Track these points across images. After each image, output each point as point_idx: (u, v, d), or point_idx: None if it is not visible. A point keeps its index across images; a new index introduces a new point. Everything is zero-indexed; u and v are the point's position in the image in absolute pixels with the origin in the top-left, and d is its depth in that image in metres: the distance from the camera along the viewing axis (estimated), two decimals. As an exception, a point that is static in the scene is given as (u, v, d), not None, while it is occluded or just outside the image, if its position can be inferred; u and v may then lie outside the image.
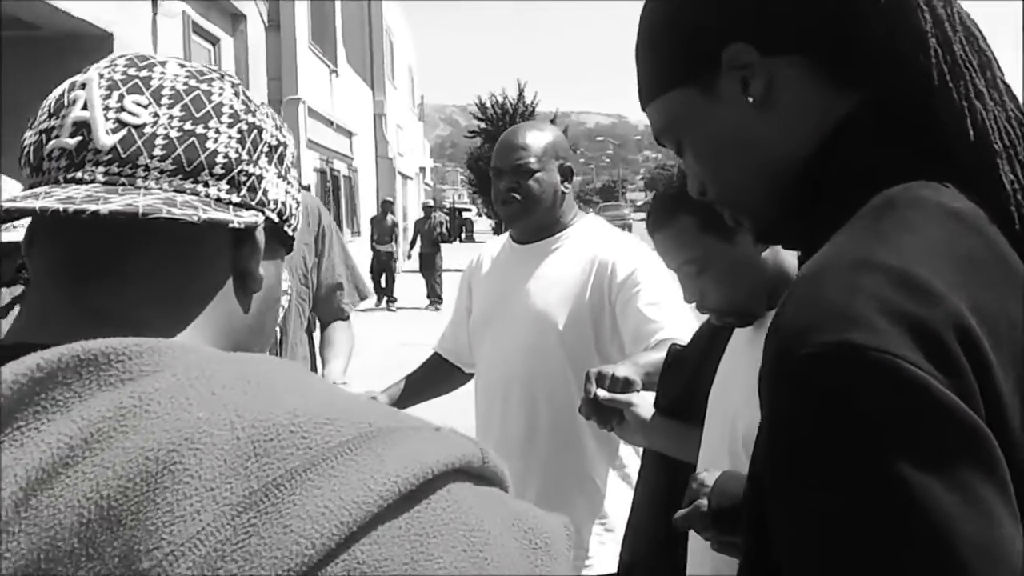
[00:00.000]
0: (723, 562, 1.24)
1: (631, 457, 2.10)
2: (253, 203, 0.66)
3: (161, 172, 0.62)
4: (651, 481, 1.70)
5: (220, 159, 0.64)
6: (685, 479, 1.29)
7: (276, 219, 0.69)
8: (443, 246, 15.81)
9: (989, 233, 0.68)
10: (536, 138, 2.17)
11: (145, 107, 0.63)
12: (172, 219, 0.58)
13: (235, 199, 0.65)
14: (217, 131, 0.64)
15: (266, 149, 0.68)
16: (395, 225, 15.56)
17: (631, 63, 0.91)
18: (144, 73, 0.64)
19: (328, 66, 16.03)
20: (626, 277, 2.04)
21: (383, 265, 14.83)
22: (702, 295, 1.42)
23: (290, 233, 0.73)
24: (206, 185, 0.63)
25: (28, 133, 0.65)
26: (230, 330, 0.66)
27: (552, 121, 31.96)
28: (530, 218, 2.17)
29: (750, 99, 0.77)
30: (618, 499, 2.06)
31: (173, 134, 0.62)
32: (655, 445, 1.66)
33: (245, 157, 0.66)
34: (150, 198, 0.59)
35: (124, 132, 0.62)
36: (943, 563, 0.56)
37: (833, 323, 0.60)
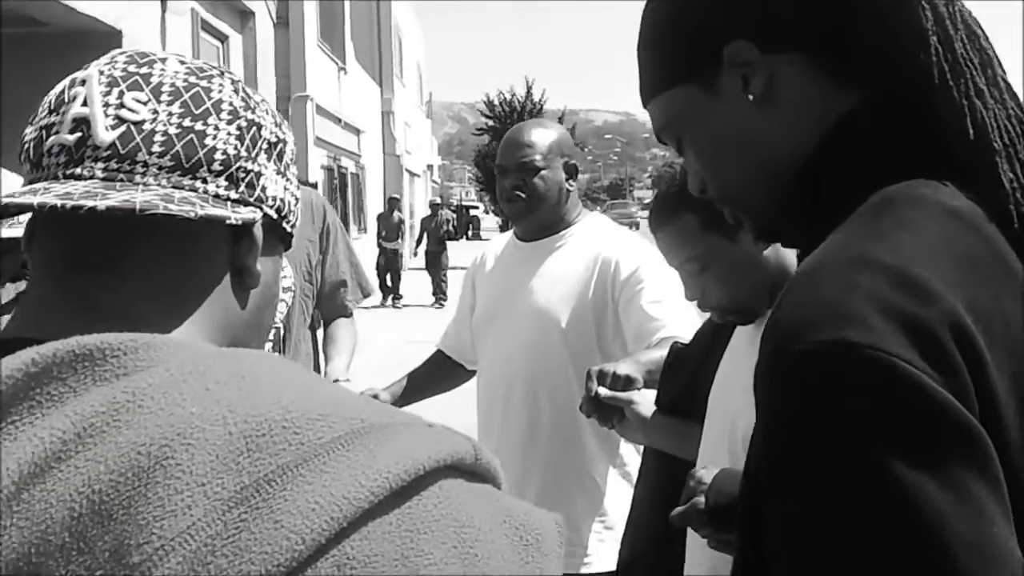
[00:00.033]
0: (721, 560, 1.24)
1: (632, 455, 2.10)
2: (251, 199, 0.66)
3: (160, 168, 0.62)
4: (651, 479, 1.70)
5: (219, 156, 0.64)
6: (685, 477, 1.29)
7: (274, 215, 0.69)
8: (450, 243, 15.82)
9: (987, 231, 0.68)
10: (541, 136, 2.17)
11: (144, 104, 0.63)
12: (169, 215, 0.59)
13: (233, 195, 0.65)
14: (216, 128, 0.65)
15: (265, 146, 0.69)
16: (402, 222, 15.56)
17: (638, 61, 0.91)
18: (144, 70, 0.65)
19: (336, 63, 16.05)
20: (629, 275, 2.04)
21: (389, 262, 14.84)
22: (704, 293, 1.42)
23: (288, 230, 0.73)
24: (204, 181, 0.64)
25: (28, 129, 0.66)
26: (227, 326, 0.66)
27: (560, 119, 31.93)
28: (535, 216, 2.17)
29: (751, 96, 0.77)
30: (618, 497, 2.06)
31: (172, 131, 0.63)
32: (655, 443, 1.66)
33: (244, 154, 0.66)
34: (148, 194, 0.60)
35: (123, 128, 0.62)
36: (936, 561, 0.56)
37: (829, 320, 0.60)
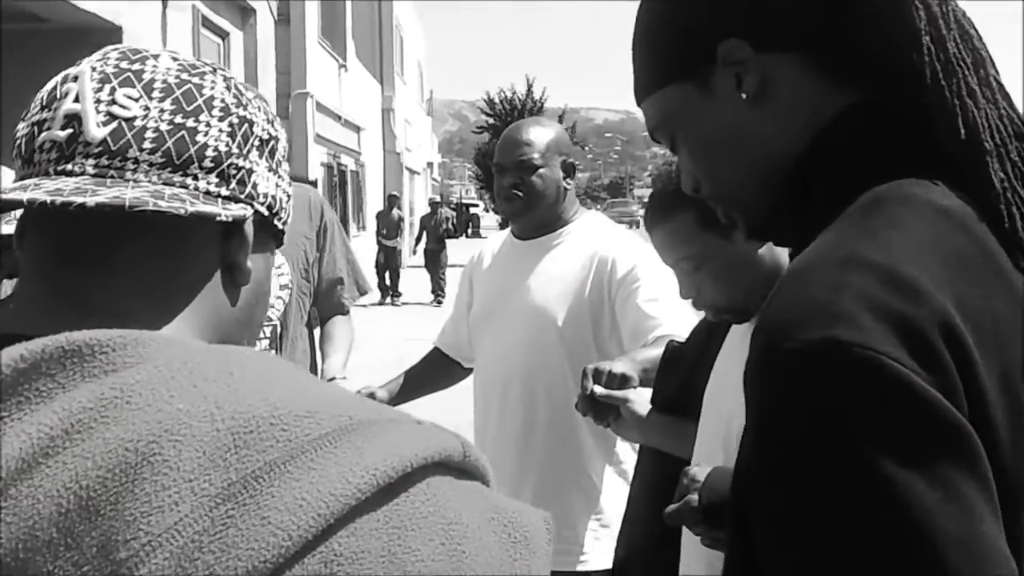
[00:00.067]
0: (716, 558, 1.24)
1: (628, 453, 2.10)
2: (242, 196, 0.66)
3: (151, 165, 0.62)
4: (647, 477, 1.70)
5: (210, 152, 0.64)
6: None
7: (266, 212, 0.69)
8: (449, 242, 15.81)
9: (977, 231, 0.68)
10: (539, 134, 2.17)
11: (136, 100, 0.63)
12: (159, 212, 0.59)
13: (224, 192, 0.65)
14: (208, 124, 0.65)
15: (257, 143, 0.69)
16: (401, 220, 15.56)
17: (638, 60, 0.91)
18: (136, 66, 0.65)
19: (337, 60, 16.04)
20: (626, 273, 2.04)
21: (389, 260, 14.84)
22: (699, 292, 1.42)
23: (280, 227, 0.73)
24: (195, 178, 0.64)
25: (21, 125, 0.66)
26: (217, 322, 0.66)
27: (560, 117, 31.90)
28: (532, 214, 2.18)
29: (744, 95, 0.77)
30: (614, 495, 2.06)
31: (163, 127, 0.63)
32: (651, 441, 1.66)
33: (235, 151, 0.66)
34: (138, 191, 0.60)
35: (115, 125, 0.62)
36: (925, 559, 0.56)
37: (818, 319, 0.60)
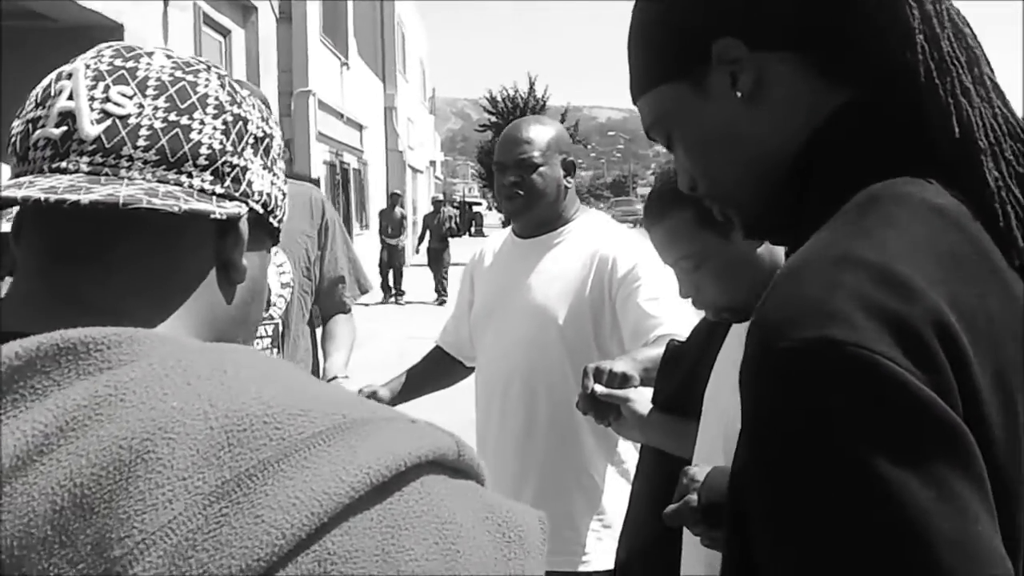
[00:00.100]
0: (716, 558, 1.24)
1: (630, 453, 2.10)
2: (237, 194, 0.67)
3: (145, 163, 0.62)
4: (649, 477, 1.70)
5: (204, 150, 0.64)
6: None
7: (260, 210, 0.69)
8: (453, 240, 15.81)
9: (971, 229, 0.68)
10: (539, 132, 2.17)
11: (130, 98, 0.63)
12: (153, 209, 0.59)
13: (219, 190, 0.65)
14: (202, 122, 0.65)
15: (251, 141, 0.69)
16: (404, 218, 15.55)
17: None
18: (130, 64, 0.65)
19: (339, 58, 16.04)
20: (626, 272, 2.04)
21: (392, 259, 14.83)
22: (698, 291, 1.41)
23: (276, 224, 0.73)
24: (189, 176, 0.64)
25: (16, 122, 0.66)
26: (213, 320, 0.67)
27: (563, 116, 31.86)
28: (533, 212, 2.17)
29: (739, 94, 0.77)
30: (616, 495, 2.06)
31: (157, 125, 0.63)
32: (652, 441, 1.66)
33: (229, 148, 0.66)
34: (132, 188, 0.60)
35: (109, 122, 0.62)
36: (919, 558, 0.56)
37: (812, 318, 0.60)
